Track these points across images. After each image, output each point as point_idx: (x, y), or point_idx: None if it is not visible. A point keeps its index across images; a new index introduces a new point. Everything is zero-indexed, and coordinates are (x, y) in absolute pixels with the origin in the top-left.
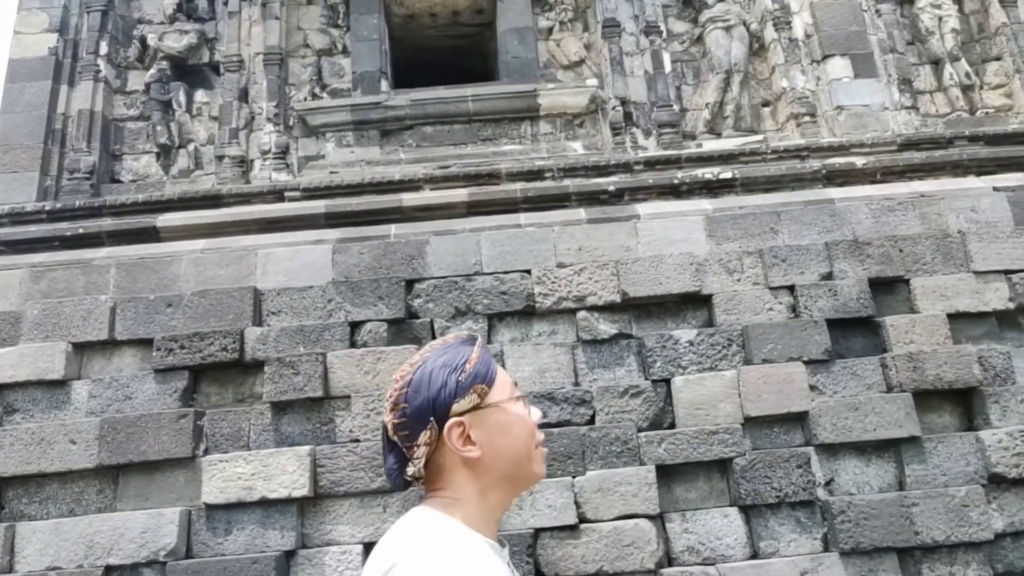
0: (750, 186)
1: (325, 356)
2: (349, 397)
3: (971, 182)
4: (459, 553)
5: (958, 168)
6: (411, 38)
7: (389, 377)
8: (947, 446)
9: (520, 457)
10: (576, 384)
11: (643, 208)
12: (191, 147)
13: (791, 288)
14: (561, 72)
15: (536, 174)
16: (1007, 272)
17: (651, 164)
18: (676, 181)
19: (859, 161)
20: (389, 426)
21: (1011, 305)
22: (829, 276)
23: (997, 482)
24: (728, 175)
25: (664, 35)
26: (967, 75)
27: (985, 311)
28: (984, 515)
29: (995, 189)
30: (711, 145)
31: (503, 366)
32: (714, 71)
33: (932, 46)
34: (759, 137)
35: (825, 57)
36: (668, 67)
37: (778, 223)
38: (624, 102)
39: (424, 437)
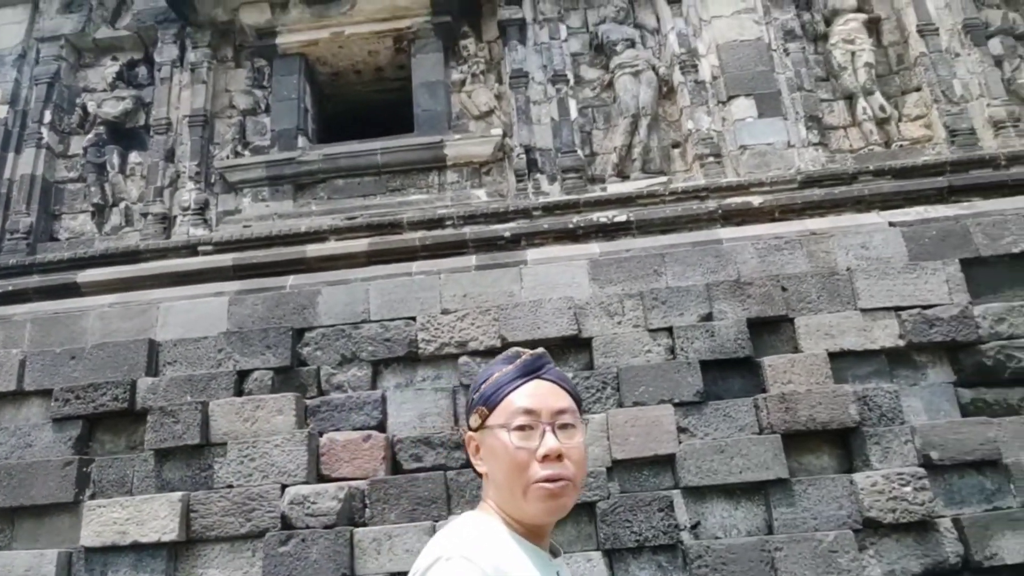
0: (646, 228)
1: (207, 405)
2: (227, 444)
3: (867, 218)
4: (478, 547)
5: (861, 204)
6: (341, 94)
7: (266, 424)
8: (818, 489)
9: (505, 485)
10: (456, 427)
11: (532, 254)
12: (122, 205)
13: (670, 330)
14: (473, 122)
15: (437, 222)
16: (897, 308)
17: (549, 209)
18: (571, 225)
19: (756, 200)
20: None
21: (901, 343)
22: (709, 317)
23: (874, 527)
24: (623, 218)
25: (571, 83)
26: (882, 108)
27: (872, 349)
28: (855, 561)
29: (891, 224)
30: (614, 188)
31: (386, 412)
32: (622, 115)
33: (845, 81)
34: (663, 179)
35: (730, 98)
36: (574, 114)
37: (662, 265)
38: (529, 149)
39: None
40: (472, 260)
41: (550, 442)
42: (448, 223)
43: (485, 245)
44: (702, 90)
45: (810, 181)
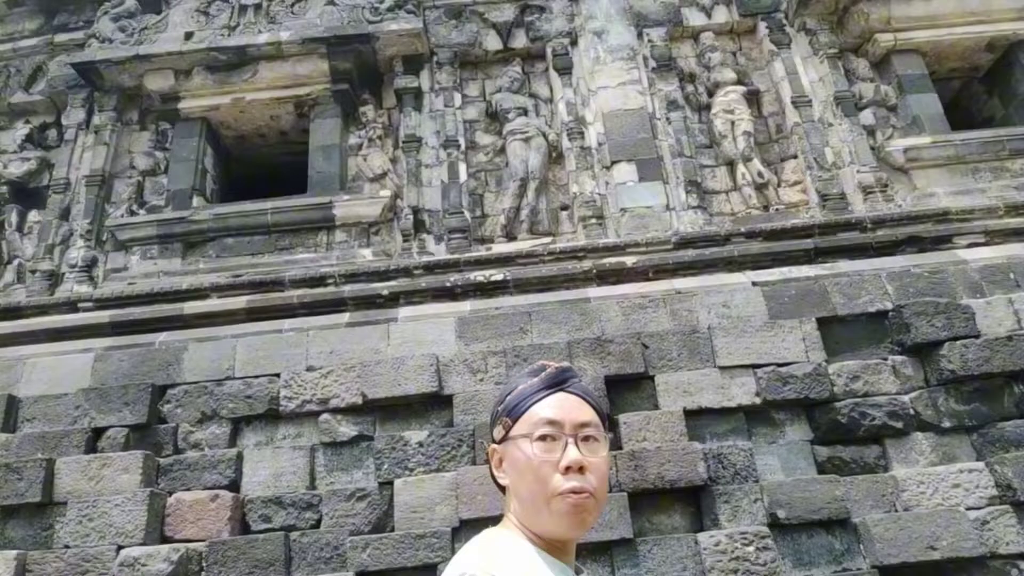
0: (523, 287)
1: (52, 462)
2: (68, 503)
3: (731, 277)
4: (502, 563)
5: (732, 264)
6: (247, 157)
7: (111, 483)
8: (663, 549)
9: (527, 498)
10: (311, 487)
11: (404, 311)
12: (16, 263)
13: None
14: (368, 184)
15: (319, 280)
16: (754, 366)
17: (430, 268)
18: (449, 284)
19: (630, 260)
20: None
21: (758, 400)
22: None
23: None
24: (499, 277)
25: (463, 148)
26: (759, 174)
27: (730, 407)
28: None
29: (754, 284)
30: (498, 248)
31: (241, 471)
32: (512, 179)
33: (726, 148)
34: (547, 240)
35: (613, 163)
36: (463, 177)
37: (529, 323)
38: (417, 210)
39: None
40: (345, 317)
41: (572, 454)
42: (330, 281)
43: (364, 303)
44: (588, 155)
45: (685, 242)
